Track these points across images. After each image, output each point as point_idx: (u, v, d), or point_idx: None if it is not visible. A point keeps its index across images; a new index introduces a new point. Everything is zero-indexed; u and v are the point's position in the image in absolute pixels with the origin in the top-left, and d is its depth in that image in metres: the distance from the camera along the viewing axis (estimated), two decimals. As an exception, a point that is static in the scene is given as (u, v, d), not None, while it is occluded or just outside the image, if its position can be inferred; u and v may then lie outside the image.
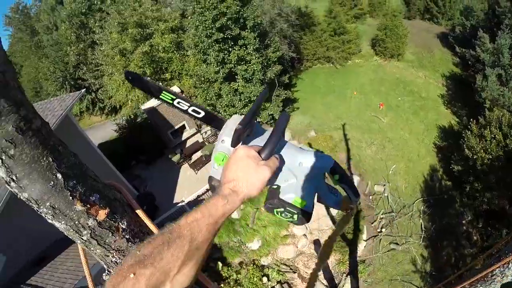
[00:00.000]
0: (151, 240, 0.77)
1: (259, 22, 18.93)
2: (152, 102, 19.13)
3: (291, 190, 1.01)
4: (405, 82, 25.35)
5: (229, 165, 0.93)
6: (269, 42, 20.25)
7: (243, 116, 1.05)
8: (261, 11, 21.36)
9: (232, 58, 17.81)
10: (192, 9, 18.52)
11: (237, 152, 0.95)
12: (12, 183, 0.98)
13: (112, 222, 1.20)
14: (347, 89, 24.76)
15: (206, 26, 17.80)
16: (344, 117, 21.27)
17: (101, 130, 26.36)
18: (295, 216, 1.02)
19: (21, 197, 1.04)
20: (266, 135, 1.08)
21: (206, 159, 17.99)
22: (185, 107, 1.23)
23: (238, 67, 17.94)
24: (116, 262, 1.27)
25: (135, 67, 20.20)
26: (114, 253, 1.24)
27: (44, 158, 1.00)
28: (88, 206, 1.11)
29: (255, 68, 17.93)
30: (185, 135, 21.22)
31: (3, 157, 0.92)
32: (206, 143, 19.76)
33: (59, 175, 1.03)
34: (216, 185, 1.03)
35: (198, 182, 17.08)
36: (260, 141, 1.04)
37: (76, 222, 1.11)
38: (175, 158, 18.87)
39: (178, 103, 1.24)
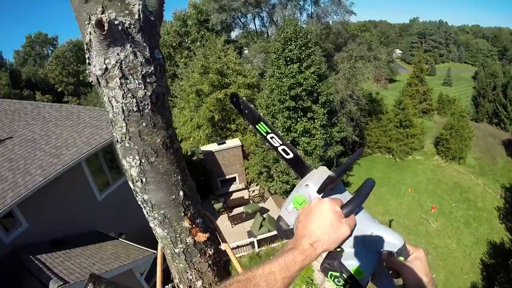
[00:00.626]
0: (227, 286, 0.83)
1: (331, 99, 19.72)
2: (212, 147, 20.46)
3: (354, 257, 0.95)
4: (462, 187, 25.06)
5: (312, 217, 0.93)
6: (336, 121, 21.17)
7: (330, 171, 1.07)
8: (334, 89, 22.21)
9: (298, 128, 18.86)
10: (271, 72, 19.58)
11: (322, 204, 0.94)
12: (139, 183, 1.13)
13: (204, 246, 1.34)
14: (402, 185, 24.74)
15: (281, 91, 18.89)
16: (393, 213, 21.21)
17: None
18: (347, 286, 0.94)
19: (139, 197, 1.20)
20: (346, 194, 1.06)
21: (246, 216, 18.46)
22: (277, 144, 1.24)
23: (302, 138, 18.89)
24: (191, 280, 1.39)
25: (206, 110, 21.44)
26: (194, 272, 1.37)
27: (175, 175, 1.17)
28: (193, 226, 1.26)
29: (318, 143, 18.82)
30: (233, 187, 22.21)
31: (143, 160, 1.08)
32: (250, 202, 20.34)
33: (181, 192, 1.19)
34: (285, 228, 1.06)
35: (232, 235, 17.40)
36: (340, 198, 1.01)
37: (177, 235, 1.25)
38: (217, 205, 19.34)
39: (272, 138, 1.24)
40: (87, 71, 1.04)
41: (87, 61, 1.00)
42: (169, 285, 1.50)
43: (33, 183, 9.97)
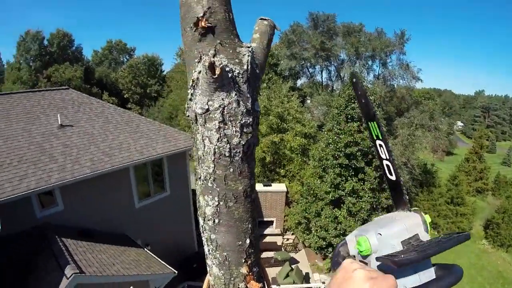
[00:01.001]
0: None
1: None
2: (257, 187, 20.41)
3: None
4: (506, 278, 23.24)
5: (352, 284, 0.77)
6: (385, 186, 20.26)
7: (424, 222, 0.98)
8: (389, 155, 21.61)
9: (347, 187, 18.60)
10: (330, 126, 19.55)
11: (360, 272, 0.79)
12: (210, 222, 1.14)
13: None
14: (442, 264, 23.23)
15: (337, 147, 18.77)
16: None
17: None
18: None
19: (206, 234, 1.20)
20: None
21: (274, 262, 18.09)
22: (383, 156, 1.12)
23: (349, 197, 18.57)
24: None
25: (259, 149, 21.50)
26: None
27: (247, 223, 1.17)
28: (249, 273, 1.24)
29: (363, 206, 18.42)
30: (268, 230, 21.94)
31: (221, 203, 1.09)
32: (282, 249, 19.94)
33: (247, 240, 1.19)
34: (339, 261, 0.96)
35: (256, 279, 16.89)
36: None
37: (232, 279, 1.24)
38: (247, 243, 18.86)
39: (380, 146, 1.13)
40: (186, 105, 1.08)
41: (188, 96, 1.04)
42: None
43: (80, 172, 10.57)
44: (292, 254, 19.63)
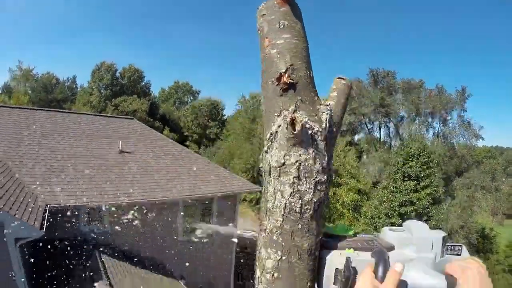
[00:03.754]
0: None
1: (440, 226, 18.23)
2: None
3: None
4: None
5: None
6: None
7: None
8: (445, 218, 20.59)
9: (398, 248, 17.30)
10: (386, 184, 18.98)
11: (357, 281, 0.88)
12: (268, 276, 1.08)
13: None
14: None
15: (391, 206, 18.20)
16: None
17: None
18: None
19: (260, 286, 1.13)
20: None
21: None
22: None
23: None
24: None
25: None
26: None
27: (306, 281, 1.08)
28: None
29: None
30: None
31: (284, 258, 1.04)
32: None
33: None
34: (338, 277, 0.98)
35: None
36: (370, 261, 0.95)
37: None
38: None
39: None
40: (261, 156, 1.09)
41: (265, 148, 1.06)
42: None
43: (131, 197, 11.02)
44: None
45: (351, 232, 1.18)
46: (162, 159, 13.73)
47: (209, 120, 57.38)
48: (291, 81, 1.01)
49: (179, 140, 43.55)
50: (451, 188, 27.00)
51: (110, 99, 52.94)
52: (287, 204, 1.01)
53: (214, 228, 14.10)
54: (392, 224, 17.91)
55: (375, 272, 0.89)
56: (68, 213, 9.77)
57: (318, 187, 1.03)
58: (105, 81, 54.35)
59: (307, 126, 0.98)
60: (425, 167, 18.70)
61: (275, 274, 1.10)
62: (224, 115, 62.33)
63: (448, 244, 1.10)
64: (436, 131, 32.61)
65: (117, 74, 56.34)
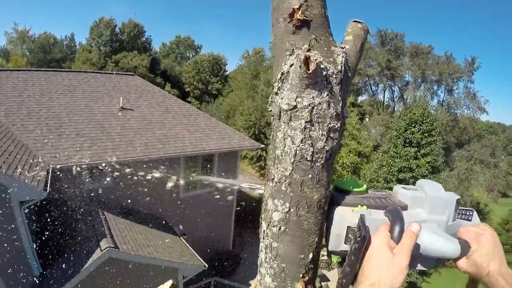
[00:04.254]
0: None
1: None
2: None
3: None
4: None
5: (367, 256, 0.85)
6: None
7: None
8: (443, 187, 20.71)
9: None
10: (386, 148, 19.01)
11: (373, 238, 0.86)
12: (274, 229, 1.07)
13: None
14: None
15: (390, 171, 18.39)
16: None
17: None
18: None
19: (266, 241, 1.13)
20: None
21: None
22: None
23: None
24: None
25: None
26: None
27: (314, 236, 1.06)
28: None
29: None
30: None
31: (292, 210, 1.01)
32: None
33: (310, 255, 1.10)
34: (350, 236, 0.98)
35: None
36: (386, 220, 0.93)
37: None
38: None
39: None
40: (270, 99, 1.01)
41: (274, 89, 0.97)
42: None
43: (133, 154, 11.06)
44: (324, 272, 19.19)
45: (363, 188, 1.12)
46: (164, 115, 13.66)
47: (211, 76, 56.53)
48: (305, 18, 0.91)
49: (180, 96, 43.39)
50: (450, 159, 27.07)
51: (110, 56, 51.94)
52: (297, 151, 0.94)
53: (215, 180, 14.25)
54: (390, 190, 18.14)
55: (391, 232, 0.86)
56: (71, 173, 9.87)
57: (331, 135, 0.95)
58: (104, 38, 53.12)
59: (322, 66, 0.88)
60: (427, 134, 18.64)
61: (282, 228, 1.05)
62: (227, 70, 61.48)
63: (460, 208, 1.07)
64: (441, 100, 32.36)
65: (117, 30, 54.91)
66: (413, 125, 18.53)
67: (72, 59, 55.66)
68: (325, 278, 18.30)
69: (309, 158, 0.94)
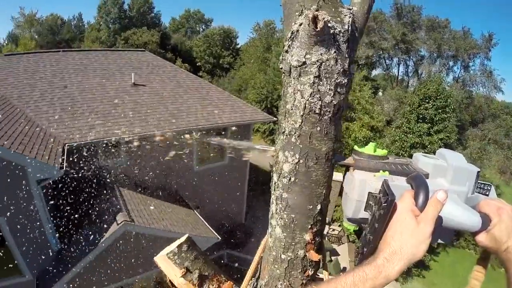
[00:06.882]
0: None
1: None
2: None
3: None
4: None
5: (391, 224, 0.82)
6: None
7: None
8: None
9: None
10: (399, 123, 18.85)
11: (398, 205, 0.83)
12: (285, 180, 1.13)
13: (308, 264, 1.29)
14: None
15: (402, 146, 18.59)
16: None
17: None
18: None
19: (277, 192, 1.19)
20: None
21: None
22: None
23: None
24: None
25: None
26: (286, 284, 1.32)
27: (322, 187, 1.12)
28: (312, 242, 1.21)
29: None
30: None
31: (301, 161, 1.07)
32: (326, 239, 19.59)
33: (319, 206, 1.17)
34: (371, 203, 0.99)
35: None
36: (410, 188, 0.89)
37: (293, 243, 1.22)
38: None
39: None
40: (281, 57, 1.07)
41: (285, 47, 1.03)
42: (253, 279, 1.50)
43: (146, 129, 11.09)
44: (335, 246, 19.40)
45: (384, 152, 1.13)
46: (176, 89, 13.71)
47: (222, 49, 55.75)
48: (314, -21, 0.97)
49: (192, 71, 43.19)
50: (463, 137, 26.69)
51: (119, 33, 51.53)
52: (306, 105, 1.01)
53: (229, 143, 14.26)
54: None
55: (415, 199, 0.83)
56: (86, 150, 9.99)
57: (338, 90, 1.01)
58: (112, 15, 52.61)
59: (330, 25, 0.94)
60: (440, 111, 18.42)
61: (292, 179, 1.12)
62: (238, 44, 60.35)
63: (479, 181, 1.08)
64: (456, 76, 31.71)
65: (125, 6, 54.52)
66: (427, 100, 18.30)
67: (81, 39, 55.41)
68: (335, 252, 18.51)
69: (317, 111, 1.01)
